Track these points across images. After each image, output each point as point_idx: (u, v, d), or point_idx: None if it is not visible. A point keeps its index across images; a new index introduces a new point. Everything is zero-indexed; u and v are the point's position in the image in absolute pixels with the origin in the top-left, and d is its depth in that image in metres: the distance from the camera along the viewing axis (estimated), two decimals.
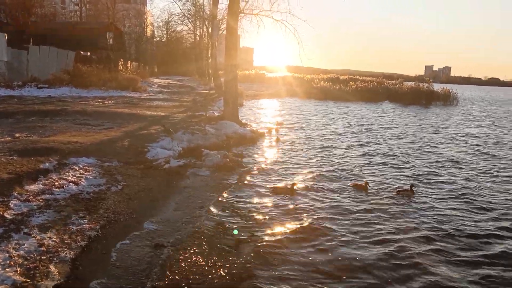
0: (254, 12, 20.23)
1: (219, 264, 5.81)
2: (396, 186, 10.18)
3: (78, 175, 8.80)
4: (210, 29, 42.84)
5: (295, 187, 9.42)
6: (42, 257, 5.37)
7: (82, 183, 8.37)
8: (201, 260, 5.88)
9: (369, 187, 9.81)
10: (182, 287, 5.19)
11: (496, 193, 10.04)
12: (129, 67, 43.76)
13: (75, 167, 9.27)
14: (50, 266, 5.20)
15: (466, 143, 18.11)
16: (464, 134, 21.20)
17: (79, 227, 6.38)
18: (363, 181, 10.21)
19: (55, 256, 5.45)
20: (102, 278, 5.23)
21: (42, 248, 5.58)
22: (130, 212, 7.43)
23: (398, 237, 7.04)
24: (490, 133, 22.28)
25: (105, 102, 24.05)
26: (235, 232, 6.89)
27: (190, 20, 53.67)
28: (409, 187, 9.67)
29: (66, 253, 5.55)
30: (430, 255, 6.43)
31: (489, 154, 15.45)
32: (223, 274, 5.55)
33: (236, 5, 17.90)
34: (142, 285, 5.14)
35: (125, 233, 6.56)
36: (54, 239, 5.88)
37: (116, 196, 8.02)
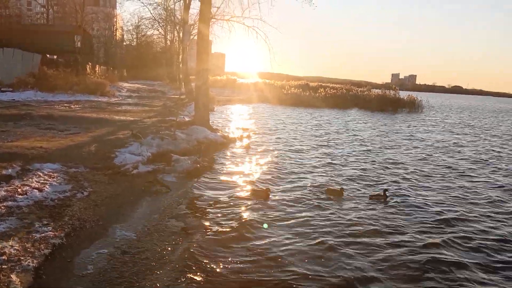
0: (225, 18, 20.29)
1: (188, 270, 5.77)
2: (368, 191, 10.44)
3: (43, 181, 8.54)
4: (181, 34, 42.64)
5: (269, 193, 9.49)
6: (3, 266, 5.18)
7: (46, 189, 8.13)
8: (164, 266, 5.83)
9: (344, 193, 9.93)
10: None
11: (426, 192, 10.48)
12: (97, 71, 42.86)
13: (39, 173, 8.99)
14: (11, 275, 5.02)
15: (414, 147, 18.88)
16: (418, 139, 21.93)
17: (43, 234, 6.20)
18: (339, 187, 10.29)
19: (17, 265, 5.27)
20: (67, 287, 5.10)
21: (3, 257, 5.39)
22: (97, 219, 7.27)
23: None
24: (441, 138, 23.16)
25: (72, 106, 23.47)
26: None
27: (161, 25, 53.18)
28: (382, 192, 9.93)
29: (29, 262, 5.38)
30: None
31: (429, 157, 16.33)
32: (191, 280, 5.51)
33: (207, 10, 17.89)
34: None
35: (91, 241, 6.42)
36: (16, 248, 5.69)
37: (82, 203, 7.83)
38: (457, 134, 26.27)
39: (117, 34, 72.32)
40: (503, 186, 11.98)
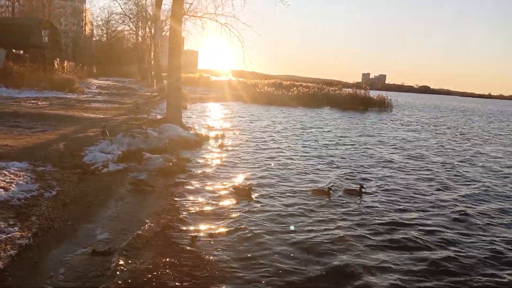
0: (198, 15, 20.17)
1: (159, 268, 5.73)
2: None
3: (8, 180, 8.27)
4: (153, 30, 42.02)
5: (251, 191, 9.51)
6: None
7: (12, 188, 7.87)
8: (139, 266, 5.77)
9: (331, 193, 9.88)
10: None
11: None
12: (65, 67, 41.77)
13: (4, 171, 8.70)
14: None
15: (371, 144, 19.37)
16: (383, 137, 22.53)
17: (9, 235, 6.01)
18: (325, 187, 10.30)
19: None
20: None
21: None
22: (65, 218, 7.10)
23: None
24: (400, 135, 23.88)
25: (39, 103, 22.81)
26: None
27: (132, 20, 52.27)
28: (358, 188, 10.27)
29: None
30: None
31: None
32: (162, 279, 5.48)
33: (179, 6, 17.73)
34: None
35: (60, 241, 6.28)
36: None
37: (50, 202, 7.64)
38: (416, 131, 27.04)
39: (86, 30, 70.63)
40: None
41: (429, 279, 6.05)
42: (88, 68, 55.57)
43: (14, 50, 32.52)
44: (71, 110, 20.48)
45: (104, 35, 74.06)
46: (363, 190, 10.20)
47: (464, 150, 19.80)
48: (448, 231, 8.11)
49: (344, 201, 9.58)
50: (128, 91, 41.38)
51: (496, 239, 7.84)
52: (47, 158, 10.47)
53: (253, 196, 9.32)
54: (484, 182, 12.73)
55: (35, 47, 37.55)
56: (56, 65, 38.57)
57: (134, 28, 56.15)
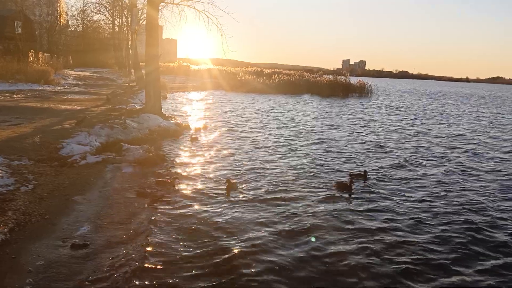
0: (175, 2, 19.74)
1: (133, 264, 5.69)
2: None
3: None
4: (129, 19, 41.12)
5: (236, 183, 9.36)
6: None
7: None
8: (117, 260, 5.72)
9: (353, 186, 9.69)
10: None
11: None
12: (40, 59, 40.51)
13: None
14: None
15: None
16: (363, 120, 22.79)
17: None
18: (348, 179, 10.04)
19: None
20: (12, 284, 4.88)
21: None
22: (43, 212, 6.97)
23: None
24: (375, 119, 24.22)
25: (14, 96, 22.19)
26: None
27: (107, 9, 50.92)
28: (362, 172, 10.56)
29: None
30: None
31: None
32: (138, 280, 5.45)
33: None
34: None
35: (38, 236, 6.16)
36: None
37: (27, 196, 7.47)
38: (391, 115, 27.43)
39: (61, 20, 68.52)
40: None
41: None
42: (64, 59, 54.06)
43: None
44: (47, 102, 20.00)
45: (80, 25, 72.20)
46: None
47: (409, 127, 20.22)
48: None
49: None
50: (106, 81, 40.63)
51: None
52: (22, 151, 10.21)
53: (237, 186, 9.26)
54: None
55: (8, 39, 36.40)
56: (30, 56, 37.38)
57: (110, 17, 54.77)
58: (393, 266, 5.89)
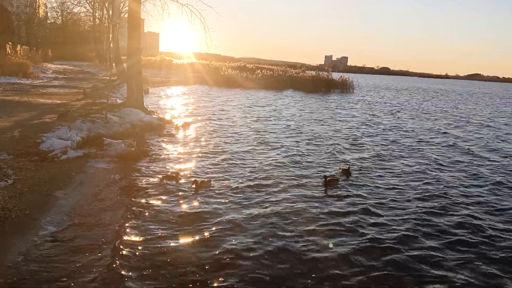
0: None
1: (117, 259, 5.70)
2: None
3: None
4: (110, 12, 40.51)
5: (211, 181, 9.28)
6: None
7: None
8: (94, 256, 5.71)
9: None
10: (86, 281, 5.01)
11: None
12: (18, 51, 39.54)
13: None
14: None
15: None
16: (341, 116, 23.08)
17: None
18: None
19: None
20: None
21: None
22: (23, 208, 6.88)
23: None
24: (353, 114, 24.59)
25: None
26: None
27: (88, 1, 50.03)
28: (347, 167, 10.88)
29: None
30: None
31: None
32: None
33: None
34: (38, 285, 4.86)
35: (17, 231, 6.10)
36: None
37: (6, 192, 7.36)
38: (370, 109, 27.89)
39: (40, 12, 66.89)
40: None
41: None
42: (43, 52, 52.86)
43: None
44: (26, 96, 19.61)
45: (59, 17, 70.70)
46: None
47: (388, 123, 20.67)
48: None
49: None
50: (86, 75, 39.95)
51: None
52: (1, 146, 10.04)
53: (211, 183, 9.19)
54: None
55: None
56: (8, 49, 36.42)
57: (91, 10, 53.89)
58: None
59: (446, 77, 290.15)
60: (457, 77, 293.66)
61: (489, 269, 6.01)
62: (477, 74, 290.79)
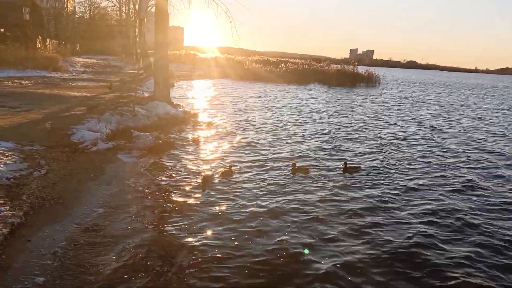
0: None
1: (147, 249, 5.79)
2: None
3: None
4: (137, 6, 40.96)
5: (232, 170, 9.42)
6: None
7: (0, 168, 7.77)
8: (131, 243, 5.82)
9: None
10: (117, 270, 5.12)
11: None
12: (48, 45, 40.57)
13: None
14: None
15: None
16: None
17: (0, 214, 5.98)
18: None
19: None
20: (27, 266, 5.00)
21: None
22: (56, 197, 7.09)
23: None
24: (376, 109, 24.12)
25: (23, 82, 22.29)
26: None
27: None
28: (343, 165, 10.33)
29: None
30: None
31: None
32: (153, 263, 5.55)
33: None
34: (71, 272, 4.99)
35: (52, 219, 6.28)
36: None
37: (40, 181, 7.59)
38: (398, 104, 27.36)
39: (68, 6, 68.37)
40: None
41: None
42: (71, 46, 54.10)
43: None
44: (56, 89, 20.09)
45: (87, 12, 72.17)
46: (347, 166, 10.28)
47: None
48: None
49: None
50: (113, 69, 40.64)
51: None
52: (34, 137, 10.32)
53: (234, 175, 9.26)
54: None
55: (17, 26, 36.39)
56: (38, 43, 37.43)
57: (117, 4, 54.75)
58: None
59: (476, 71, 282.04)
60: (487, 71, 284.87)
61: None
62: (508, 68, 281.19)
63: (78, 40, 64.48)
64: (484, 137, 16.54)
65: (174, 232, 6.20)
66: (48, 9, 60.03)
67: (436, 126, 18.77)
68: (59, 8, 62.00)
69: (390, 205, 7.99)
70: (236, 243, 6.00)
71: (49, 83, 22.89)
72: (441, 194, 8.80)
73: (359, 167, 10.36)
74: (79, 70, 35.81)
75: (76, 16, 73.94)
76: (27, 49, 31.23)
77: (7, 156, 8.52)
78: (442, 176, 10.30)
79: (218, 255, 5.61)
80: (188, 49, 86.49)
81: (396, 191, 8.82)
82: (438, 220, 7.34)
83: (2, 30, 32.98)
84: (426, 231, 6.78)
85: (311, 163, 10.73)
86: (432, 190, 9.11)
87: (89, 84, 24.62)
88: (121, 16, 57.68)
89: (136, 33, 46.63)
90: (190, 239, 6.00)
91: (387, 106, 26.64)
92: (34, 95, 17.38)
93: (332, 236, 6.43)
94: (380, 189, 8.93)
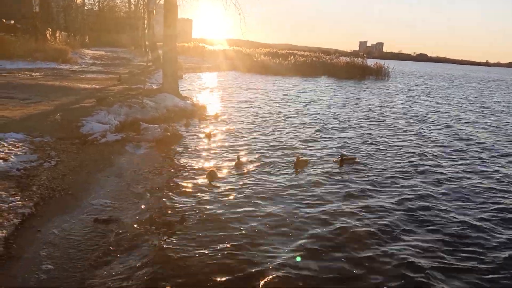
0: None
1: (162, 239, 5.83)
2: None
3: (7, 151, 8.25)
4: None
5: (240, 158, 9.49)
6: None
7: (11, 159, 7.86)
8: (142, 234, 5.86)
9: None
10: (125, 262, 5.16)
11: None
12: (58, 37, 40.76)
13: (2, 143, 8.66)
14: None
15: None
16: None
17: (11, 204, 6.06)
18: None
19: None
20: (38, 256, 5.06)
21: None
22: (66, 188, 7.15)
23: None
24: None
25: (33, 74, 22.43)
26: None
27: None
28: (339, 157, 10.32)
29: None
30: None
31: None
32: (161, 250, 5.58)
33: None
34: (80, 262, 5.04)
35: (61, 210, 6.35)
36: None
37: (50, 172, 7.66)
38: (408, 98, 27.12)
39: None
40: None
41: None
42: (80, 38, 54.36)
43: (4, 20, 31.64)
44: (66, 81, 20.21)
45: (96, 4, 72.29)
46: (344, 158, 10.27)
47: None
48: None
49: None
50: (122, 61, 40.74)
51: None
52: (44, 129, 10.41)
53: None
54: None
55: (26, 17, 36.56)
56: (48, 35, 37.60)
57: None
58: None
59: (487, 64, 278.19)
60: (498, 64, 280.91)
61: None
62: None
63: (87, 32, 64.68)
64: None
65: (179, 223, 6.23)
66: (58, 1, 60.21)
67: (469, 121, 18.62)
68: (69, 0, 62.19)
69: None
70: (243, 231, 6.02)
71: (58, 75, 23.02)
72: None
73: (355, 158, 10.45)
74: (88, 62, 35.96)
75: (85, 8, 74.13)
76: (36, 41, 31.41)
77: (18, 147, 8.61)
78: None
79: (227, 244, 5.63)
80: (196, 41, 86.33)
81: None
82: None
83: (12, 22, 33.14)
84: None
85: (322, 155, 10.70)
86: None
87: (98, 76, 24.72)
88: (130, 8, 57.80)
89: (145, 25, 46.62)
90: (200, 234, 6.02)
91: (399, 100, 26.43)
92: (44, 87, 17.50)
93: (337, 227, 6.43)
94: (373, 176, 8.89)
